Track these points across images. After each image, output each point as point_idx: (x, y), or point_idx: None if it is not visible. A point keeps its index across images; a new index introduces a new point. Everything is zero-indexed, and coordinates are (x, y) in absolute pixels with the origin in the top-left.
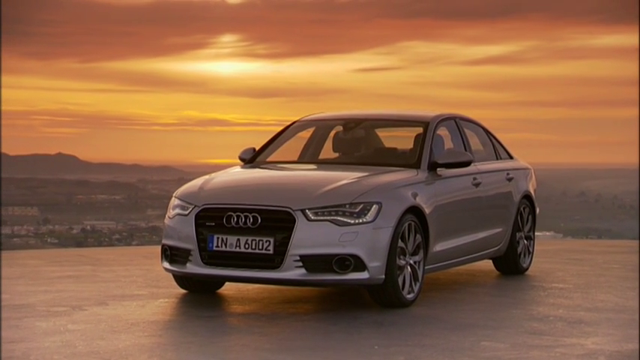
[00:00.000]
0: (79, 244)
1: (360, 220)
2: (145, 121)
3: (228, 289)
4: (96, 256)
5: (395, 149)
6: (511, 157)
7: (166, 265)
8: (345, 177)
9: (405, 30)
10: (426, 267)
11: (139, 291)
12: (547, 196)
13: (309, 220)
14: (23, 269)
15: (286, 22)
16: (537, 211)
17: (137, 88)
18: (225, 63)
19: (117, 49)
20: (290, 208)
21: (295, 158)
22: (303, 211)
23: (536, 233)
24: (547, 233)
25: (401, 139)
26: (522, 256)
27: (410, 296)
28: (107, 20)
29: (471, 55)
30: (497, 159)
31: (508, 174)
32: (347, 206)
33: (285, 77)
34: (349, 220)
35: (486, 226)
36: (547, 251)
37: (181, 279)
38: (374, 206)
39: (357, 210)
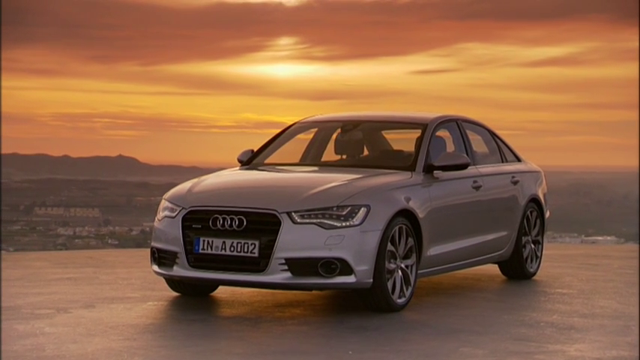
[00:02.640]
0: (139, 245)
1: (347, 223)
2: (204, 124)
3: (221, 292)
4: (104, 257)
5: (401, 151)
6: (519, 160)
7: (155, 267)
8: (335, 179)
9: (462, 31)
10: (420, 271)
11: (131, 293)
12: (609, 199)
13: (294, 222)
14: (25, 271)
15: (343, 25)
16: (547, 214)
17: (196, 91)
18: (282, 65)
19: (176, 52)
20: (276, 211)
21: (293, 160)
22: (288, 213)
23: (596, 238)
24: (608, 237)
25: (406, 142)
26: (529, 260)
27: (401, 301)
28: (167, 24)
29: (530, 57)
30: (502, 162)
31: (513, 177)
32: (334, 209)
33: (343, 79)
34: (336, 223)
35: (488, 230)
36: (564, 255)
37: (172, 282)
38: (362, 209)
39: (344, 213)
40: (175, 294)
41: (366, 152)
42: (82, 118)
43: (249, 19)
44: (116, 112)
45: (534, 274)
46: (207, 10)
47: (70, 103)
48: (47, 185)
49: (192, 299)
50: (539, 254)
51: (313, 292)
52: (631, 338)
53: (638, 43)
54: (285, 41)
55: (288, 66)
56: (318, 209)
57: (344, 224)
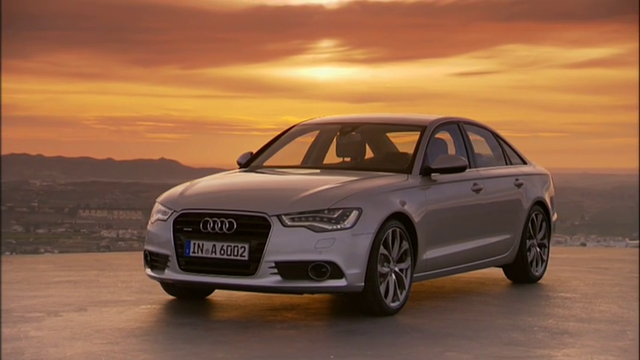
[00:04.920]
0: None
1: (338, 226)
2: (245, 127)
3: (217, 295)
4: (111, 260)
5: (406, 154)
6: (525, 163)
7: (148, 271)
8: (328, 182)
9: (504, 33)
10: (416, 275)
11: (127, 297)
12: None
13: (284, 225)
14: (28, 273)
15: (384, 27)
16: (554, 217)
17: (237, 94)
18: (322, 68)
19: (217, 55)
20: (266, 214)
21: (293, 162)
22: (279, 216)
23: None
24: None
25: (413, 145)
26: (534, 264)
27: (394, 304)
28: (208, 27)
29: (572, 58)
30: (506, 164)
31: (517, 179)
32: (325, 212)
33: (383, 82)
34: (326, 226)
35: (489, 233)
36: (577, 259)
37: (167, 285)
38: (353, 212)
39: (335, 216)
40: (170, 297)
41: (370, 155)
42: (125, 122)
43: (290, 21)
44: (158, 116)
45: (540, 277)
46: (248, 13)
47: (114, 106)
48: (91, 188)
49: (186, 303)
50: (545, 258)
51: (311, 295)
52: (623, 343)
53: None
54: (325, 44)
55: (329, 68)
56: (309, 212)
57: (335, 227)
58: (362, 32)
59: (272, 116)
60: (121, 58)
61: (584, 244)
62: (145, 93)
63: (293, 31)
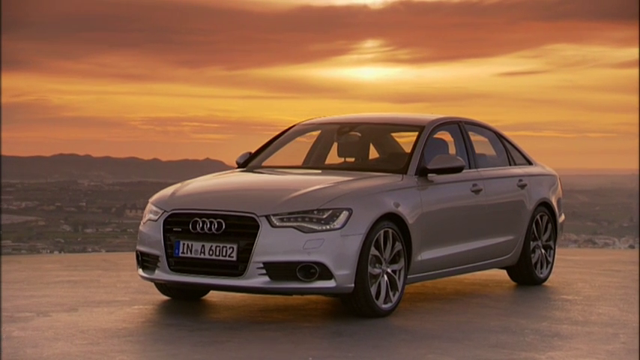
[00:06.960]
0: None
1: (328, 227)
2: (287, 127)
3: (212, 296)
4: (119, 260)
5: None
6: (530, 163)
7: (140, 271)
8: (320, 182)
9: (551, 32)
10: (410, 276)
11: (122, 297)
12: None
13: (273, 226)
14: (31, 273)
15: (429, 27)
16: (561, 219)
17: (281, 95)
18: (367, 68)
19: (262, 56)
20: (254, 214)
21: (292, 163)
22: (267, 217)
23: None
24: None
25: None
26: (539, 266)
27: (386, 306)
28: (252, 28)
29: (620, 58)
30: (510, 165)
31: (520, 180)
32: (315, 212)
33: (428, 82)
34: (315, 227)
35: (489, 235)
36: (589, 261)
37: (161, 286)
38: (343, 212)
39: (324, 216)
40: (165, 298)
41: (375, 155)
42: (171, 122)
43: (334, 22)
44: (204, 116)
45: (545, 279)
46: (292, 13)
47: (160, 107)
48: (137, 188)
49: (179, 303)
50: (550, 259)
51: (307, 296)
52: (613, 346)
53: None
54: (370, 44)
55: (373, 69)
56: (298, 212)
57: (324, 228)
58: (406, 32)
59: (315, 117)
60: (167, 59)
61: (632, 247)
62: (190, 94)
63: (337, 32)
